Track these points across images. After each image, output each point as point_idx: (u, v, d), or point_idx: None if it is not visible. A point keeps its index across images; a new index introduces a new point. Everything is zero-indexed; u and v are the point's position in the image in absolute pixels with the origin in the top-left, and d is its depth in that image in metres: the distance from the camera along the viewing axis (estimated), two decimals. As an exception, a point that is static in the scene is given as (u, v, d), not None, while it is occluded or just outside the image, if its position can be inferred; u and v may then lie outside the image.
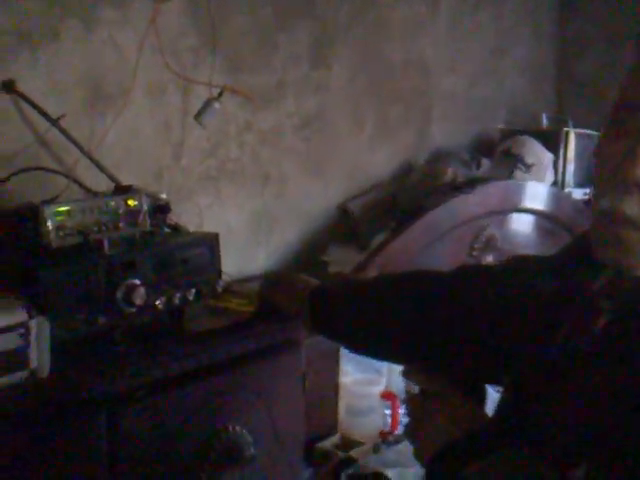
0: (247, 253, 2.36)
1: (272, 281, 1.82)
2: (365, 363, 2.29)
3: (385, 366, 2.35)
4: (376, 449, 2.30)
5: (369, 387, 2.36)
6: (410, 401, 1.21)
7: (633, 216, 0.94)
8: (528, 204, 2.74)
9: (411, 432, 1.17)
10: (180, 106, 2.12)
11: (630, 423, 0.89)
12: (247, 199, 2.35)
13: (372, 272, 2.32)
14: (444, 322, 1.38)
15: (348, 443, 2.22)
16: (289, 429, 1.78)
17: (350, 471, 2.13)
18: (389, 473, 2.13)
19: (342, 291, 1.62)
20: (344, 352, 2.18)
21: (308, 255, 2.50)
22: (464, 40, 3.01)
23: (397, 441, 2.37)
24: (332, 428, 2.24)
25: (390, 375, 2.40)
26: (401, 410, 2.49)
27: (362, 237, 2.53)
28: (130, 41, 1.96)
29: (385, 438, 2.38)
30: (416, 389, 1.23)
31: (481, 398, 1.18)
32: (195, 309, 1.72)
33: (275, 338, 1.75)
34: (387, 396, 2.39)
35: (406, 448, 2.34)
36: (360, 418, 2.30)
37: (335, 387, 2.22)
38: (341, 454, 2.17)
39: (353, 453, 2.20)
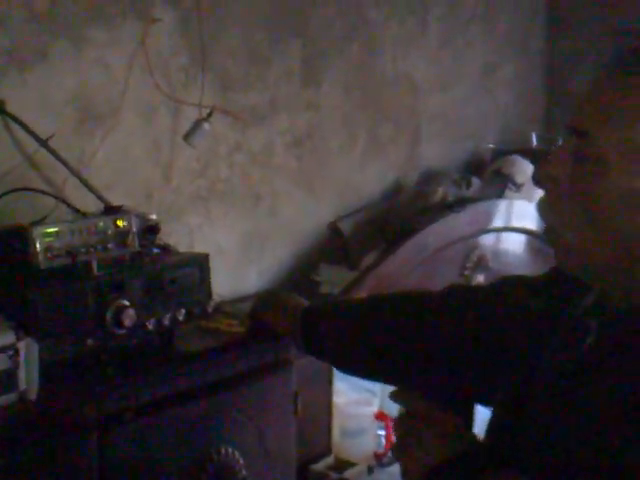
0: (239, 273, 2.35)
1: (263, 300, 1.81)
2: (358, 383, 2.27)
3: (378, 386, 2.34)
4: (370, 470, 2.29)
5: (363, 407, 2.34)
6: (397, 422, 1.20)
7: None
8: (518, 223, 2.74)
9: (398, 453, 1.16)
10: (170, 126, 2.11)
11: (622, 438, 0.89)
12: (238, 219, 2.34)
13: (363, 292, 2.32)
14: (434, 342, 1.38)
15: (342, 464, 2.21)
16: (281, 450, 1.76)
17: (344, 493, 2.12)
18: (383, 494, 2.12)
19: (334, 311, 1.62)
20: (337, 372, 2.17)
21: (300, 274, 2.49)
22: (454, 57, 3.01)
23: (391, 462, 2.35)
24: (326, 449, 2.22)
25: (383, 395, 2.38)
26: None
27: (353, 257, 2.52)
28: (119, 61, 1.96)
29: (379, 459, 2.36)
30: (404, 410, 1.22)
31: (469, 417, 1.18)
32: (185, 330, 1.70)
33: (266, 358, 1.74)
34: (381, 417, 2.38)
35: (399, 469, 2.33)
36: (354, 439, 2.29)
37: (328, 408, 2.20)
38: (335, 476, 2.15)
39: (347, 474, 2.19)
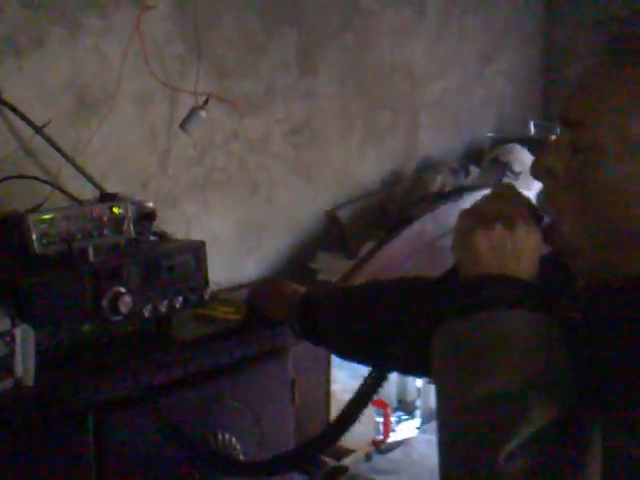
0: (236, 261, 2.35)
1: (259, 288, 1.81)
2: (356, 370, 2.27)
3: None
4: (368, 457, 2.29)
5: (360, 395, 2.34)
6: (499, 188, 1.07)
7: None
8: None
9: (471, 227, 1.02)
10: (166, 114, 2.11)
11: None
12: (235, 207, 2.34)
13: (360, 280, 2.31)
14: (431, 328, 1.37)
15: (340, 451, 2.21)
16: (278, 437, 1.76)
17: (342, 479, 2.12)
18: (381, 481, 2.13)
19: (330, 297, 1.62)
20: (335, 360, 2.17)
21: (297, 262, 2.49)
22: (451, 46, 3.01)
23: (389, 449, 2.36)
24: (323, 437, 2.21)
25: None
26: (393, 418, 2.48)
27: (351, 245, 2.52)
28: (114, 48, 1.95)
29: (377, 446, 2.37)
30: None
31: None
32: (182, 317, 1.70)
33: (262, 345, 1.74)
34: (379, 404, 2.38)
35: (397, 456, 2.34)
36: (351, 426, 2.29)
37: (326, 395, 2.20)
38: (332, 462, 2.15)
39: (345, 461, 2.19)
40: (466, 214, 1.03)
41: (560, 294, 1.07)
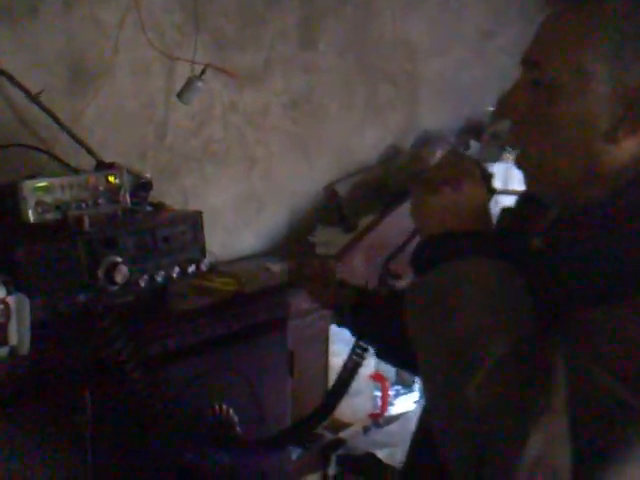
0: (234, 234, 2.33)
1: (299, 269, 1.74)
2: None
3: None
4: (366, 430, 2.29)
5: (358, 369, 2.33)
6: (445, 156, 1.14)
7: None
8: (515, 186, 2.72)
9: (420, 195, 1.08)
10: (163, 84, 2.08)
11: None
12: (233, 180, 2.32)
13: (358, 254, 2.31)
14: None
15: (337, 424, 2.20)
16: (275, 409, 1.76)
17: (340, 452, 2.12)
18: (379, 454, 2.12)
19: (391, 303, 1.57)
20: (333, 333, 2.16)
21: (296, 236, 2.47)
22: (452, 21, 2.98)
23: (387, 422, 2.36)
24: (322, 410, 2.21)
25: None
26: (391, 392, 2.48)
27: (349, 219, 2.51)
28: (111, 17, 1.92)
29: (375, 420, 2.37)
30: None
31: None
32: (179, 288, 1.69)
33: (260, 318, 1.73)
34: (377, 378, 2.38)
35: (395, 429, 2.34)
36: (350, 400, 2.28)
37: (325, 368, 2.20)
38: (330, 435, 2.15)
39: (342, 434, 2.19)
40: (417, 184, 1.09)
41: (526, 230, 1.14)
